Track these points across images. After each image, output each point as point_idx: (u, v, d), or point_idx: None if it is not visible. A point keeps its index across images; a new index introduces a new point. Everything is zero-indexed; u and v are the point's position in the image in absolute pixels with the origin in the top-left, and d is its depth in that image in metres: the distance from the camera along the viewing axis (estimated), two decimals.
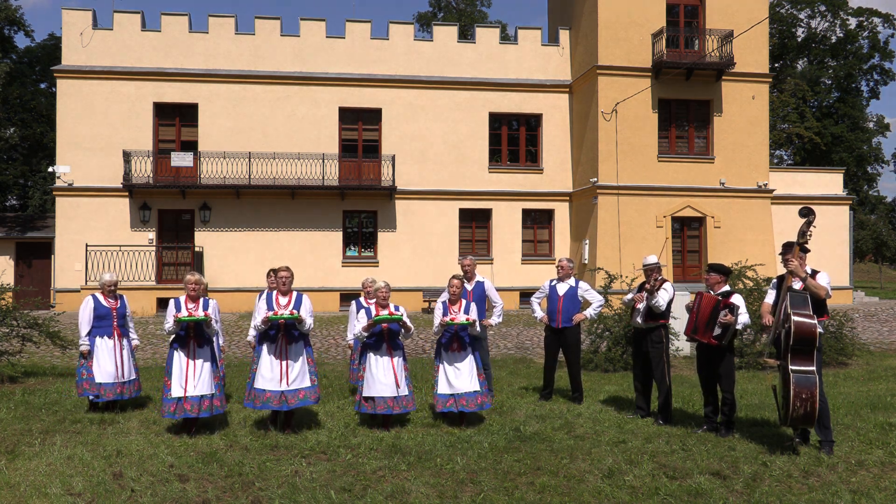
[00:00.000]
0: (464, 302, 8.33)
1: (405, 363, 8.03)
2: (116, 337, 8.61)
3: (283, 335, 7.56)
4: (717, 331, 7.37)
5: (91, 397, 8.61)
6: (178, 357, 7.55)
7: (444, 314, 8.18)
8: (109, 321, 8.60)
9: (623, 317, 12.60)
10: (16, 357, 11.64)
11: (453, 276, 8.51)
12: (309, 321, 7.58)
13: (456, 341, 8.12)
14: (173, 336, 7.65)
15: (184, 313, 7.55)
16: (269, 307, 7.58)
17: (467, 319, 7.97)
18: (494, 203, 24.23)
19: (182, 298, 7.73)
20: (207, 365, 7.64)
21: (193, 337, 7.61)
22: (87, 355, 8.52)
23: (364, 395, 7.78)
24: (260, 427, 7.71)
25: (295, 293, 7.72)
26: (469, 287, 9.61)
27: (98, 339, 8.55)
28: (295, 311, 7.48)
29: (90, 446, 6.88)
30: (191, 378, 7.48)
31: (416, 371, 11.27)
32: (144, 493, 5.56)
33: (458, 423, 7.97)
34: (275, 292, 7.77)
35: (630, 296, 8.50)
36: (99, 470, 6.08)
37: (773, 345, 6.93)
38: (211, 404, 7.55)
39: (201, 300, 7.84)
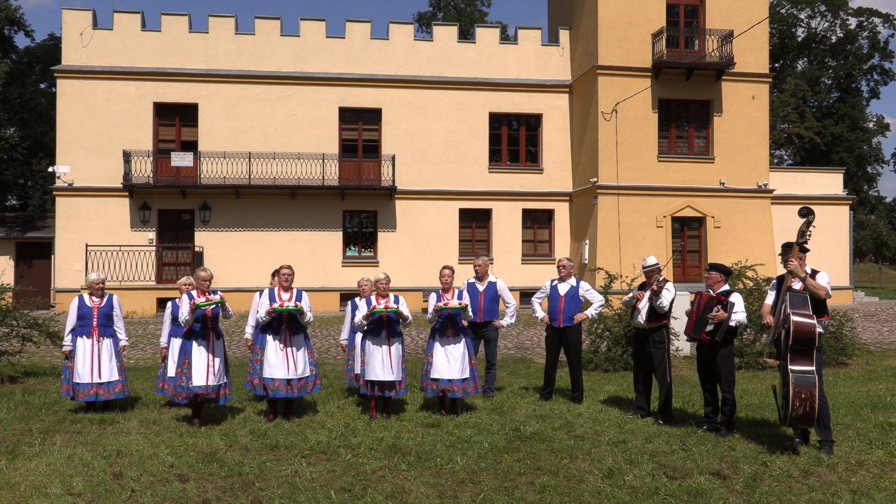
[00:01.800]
0: (456, 290, 8.69)
1: (402, 351, 8.51)
2: (95, 337, 8.52)
3: (287, 326, 8.12)
4: (710, 327, 7.41)
5: (69, 398, 8.61)
6: (199, 349, 7.93)
7: (438, 301, 8.54)
8: (89, 321, 8.54)
9: (623, 317, 12.60)
10: (16, 357, 11.64)
11: (444, 266, 8.87)
12: (309, 314, 8.22)
13: (450, 327, 8.46)
14: (188, 328, 8.01)
15: (453, 303, 8.19)
16: (272, 300, 8.12)
17: (460, 304, 8.35)
18: (494, 203, 24.23)
19: (194, 293, 8.06)
20: (223, 357, 8.16)
21: (211, 329, 8.02)
22: (70, 355, 8.53)
23: (366, 378, 8.33)
24: (260, 427, 7.71)
25: (295, 289, 8.32)
26: (481, 287, 9.65)
27: (78, 339, 8.52)
28: (298, 303, 8.07)
29: (90, 446, 6.87)
30: (211, 369, 7.93)
31: (410, 368, 11.26)
32: (144, 493, 5.56)
33: (440, 408, 8.46)
34: (276, 288, 8.31)
35: (630, 295, 8.50)
36: (99, 470, 6.08)
37: (773, 345, 6.94)
38: (225, 393, 8.12)
39: (213, 295, 8.19)
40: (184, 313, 7.91)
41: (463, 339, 8.49)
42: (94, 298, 8.65)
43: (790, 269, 6.75)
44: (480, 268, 9.74)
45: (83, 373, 8.43)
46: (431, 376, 8.42)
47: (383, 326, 8.33)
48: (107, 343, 8.60)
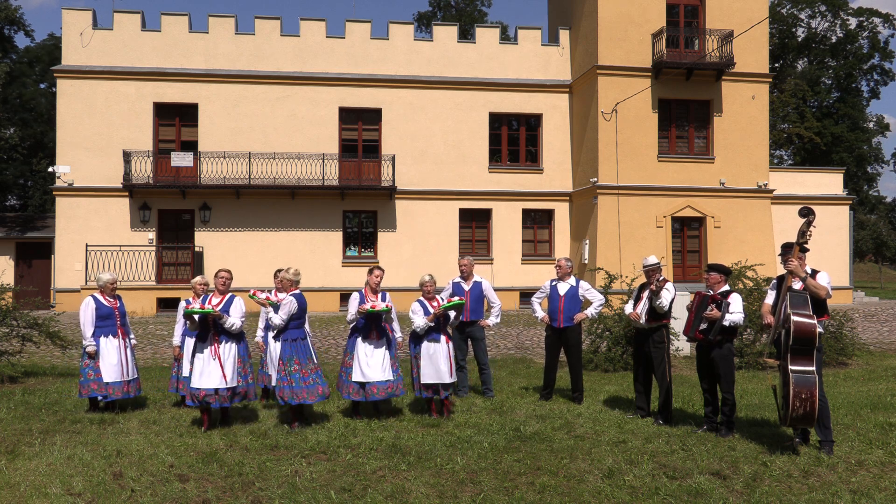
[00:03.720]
0: (381, 294, 8.42)
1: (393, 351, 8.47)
2: (121, 336, 8.69)
3: (215, 333, 7.86)
4: (703, 325, 7.41)
5: (100, 398, 8.57)
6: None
7: (362, 303, 8.27)
8: (113, 320, 8.65)
9: (623, 317, 12.60)
10: (16, 357, 11.64)
11: (375, 267, 8.60)
12: (235, 321, 7.88)
13: (374, 330, 8.24)
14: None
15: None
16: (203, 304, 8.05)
17: (373, 307, 8.10)
18: (494, 203, 24.23)
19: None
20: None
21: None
22: (95, 355, 8.51)
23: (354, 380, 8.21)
24: (260, 427, 7.71)
25: (229, 295, 8.08)
26: (466, 287, 9.68)
27: (103, 339, 8.57)
28: (221, 309, 7.87)
29: (90, 446, 6.87)
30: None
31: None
32: (144, 493, 5.56)
33: (370, 412, 8.35)
34: (210, 294, 8.23)
35: (629, 310, 8.50)
36: (99, 470, 6.08)
37: (773, 345, 6.93)
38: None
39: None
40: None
41: (385, 342, 8.27)
42: (109, 298, 8.72)
43: (790, 269, 6.74)
44: (466, 267, 9.79)
45: (114, 372, 8.51)
46: (354, 379, 8.15)
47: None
48: (128, 342, 8.82)
